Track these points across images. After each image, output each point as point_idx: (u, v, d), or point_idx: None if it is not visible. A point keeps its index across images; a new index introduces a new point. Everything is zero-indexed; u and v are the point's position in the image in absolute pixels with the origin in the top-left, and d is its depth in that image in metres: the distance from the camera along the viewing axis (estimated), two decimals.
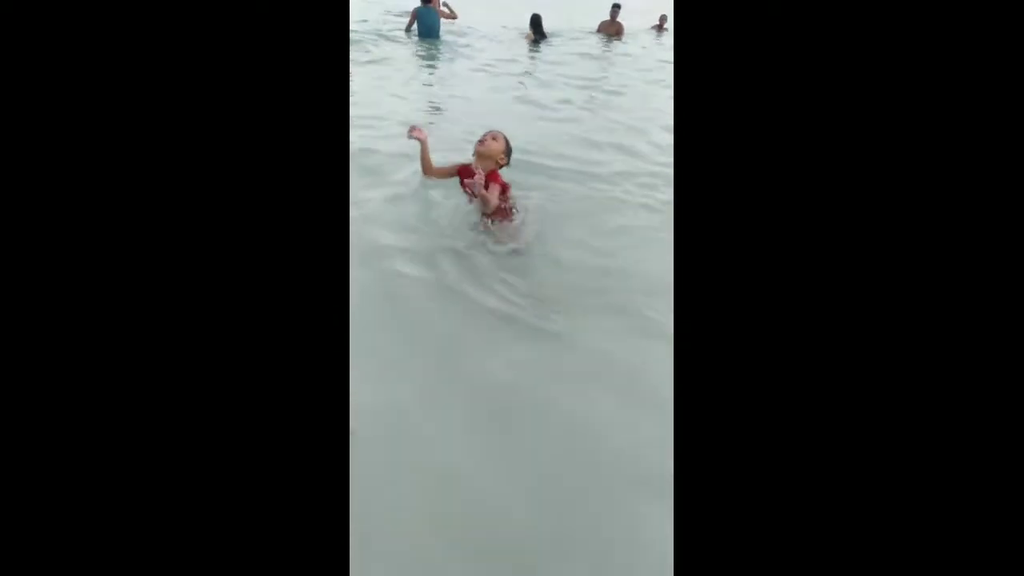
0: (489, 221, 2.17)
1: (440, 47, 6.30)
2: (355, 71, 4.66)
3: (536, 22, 7.09)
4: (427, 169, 2.38)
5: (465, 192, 2.30)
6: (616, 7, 8.27)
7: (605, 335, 1.65)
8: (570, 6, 9.93)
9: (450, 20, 6.87)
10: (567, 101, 4.37)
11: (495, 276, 1.91)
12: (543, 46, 6.77)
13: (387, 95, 4.10)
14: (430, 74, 5.13)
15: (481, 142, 2.24)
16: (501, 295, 1.82)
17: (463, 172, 2.32)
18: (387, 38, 6.40)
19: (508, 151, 2.30)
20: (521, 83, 4.92)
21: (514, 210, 2.26)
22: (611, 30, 8.32)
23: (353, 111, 3.30)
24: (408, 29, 6.61)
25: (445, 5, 6.87)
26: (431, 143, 2.39)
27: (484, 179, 2.06)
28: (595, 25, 8.53)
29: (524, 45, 6.79)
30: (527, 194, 2.44)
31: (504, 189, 2.26)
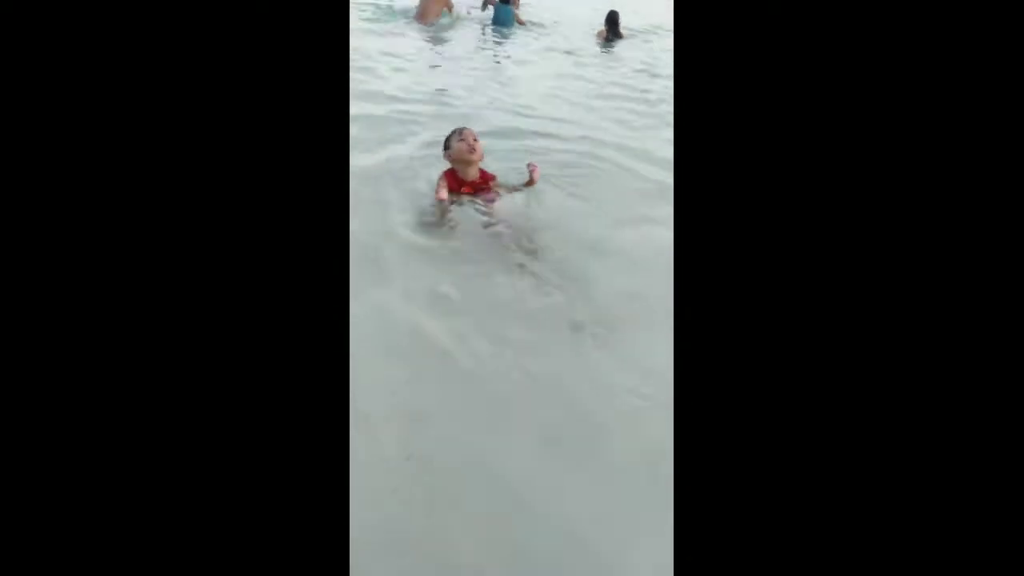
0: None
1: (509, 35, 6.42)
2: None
3: (612, 19, 6.78)
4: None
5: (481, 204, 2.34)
6: None
7: None
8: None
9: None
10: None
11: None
12: (617, 45, 6.66)
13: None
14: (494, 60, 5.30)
15: (473, 150, 2.29)
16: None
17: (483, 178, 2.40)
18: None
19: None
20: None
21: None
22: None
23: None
24: (484, 8, 6.79)
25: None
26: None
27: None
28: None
29: (594, 42, 6.68)
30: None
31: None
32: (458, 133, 2.32)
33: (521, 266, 2.00)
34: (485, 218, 2.26)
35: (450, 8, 6.58)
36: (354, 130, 2.42)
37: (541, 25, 7.08)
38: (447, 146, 2.34)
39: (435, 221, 2.24)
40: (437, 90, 4.17)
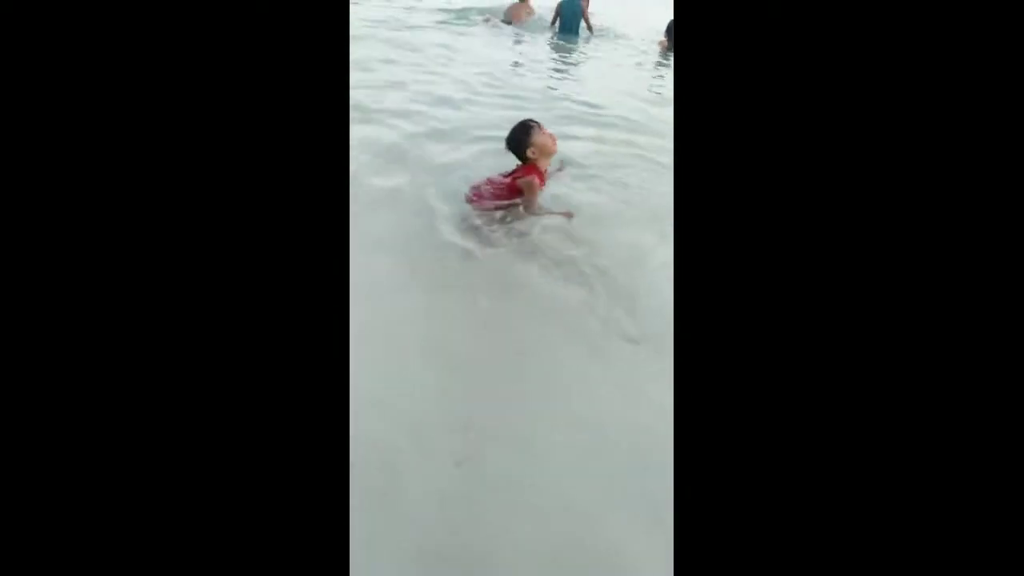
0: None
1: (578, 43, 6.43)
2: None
3: (672, 30, 6.72)
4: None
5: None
6: None
7: None
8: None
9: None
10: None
11: None
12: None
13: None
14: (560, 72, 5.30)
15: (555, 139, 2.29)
16: None
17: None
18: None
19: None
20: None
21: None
22: None
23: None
24: (553, 24, 6.74)
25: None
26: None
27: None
28: None
29: (656, 52, 6.63)
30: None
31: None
32: (536, 127, 2.27)
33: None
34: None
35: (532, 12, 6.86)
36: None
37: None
38: (527, 143, 2.25)
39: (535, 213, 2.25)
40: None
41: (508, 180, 2.28)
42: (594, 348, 1.72)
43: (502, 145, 2.38)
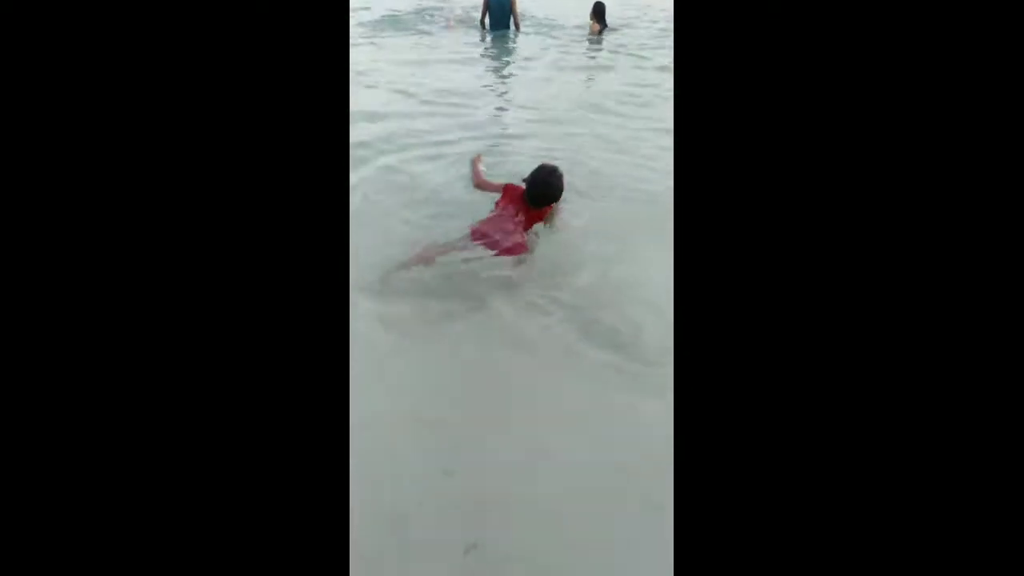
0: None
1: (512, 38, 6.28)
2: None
3: (599, 10, 6.57)
4: (478, 183, 2.49)
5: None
6: None
7: None
8: None
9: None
10: None
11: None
12: (606, 35, 6.47)
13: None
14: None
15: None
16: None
17: (509, 190, 2.27)
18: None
19: (527, 180, 2.18)
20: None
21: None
22: None
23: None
24: (482, 21, 6.53)
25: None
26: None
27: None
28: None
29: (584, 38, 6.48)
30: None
31: (502, 210, 2.17)
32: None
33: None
34: None
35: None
36: None
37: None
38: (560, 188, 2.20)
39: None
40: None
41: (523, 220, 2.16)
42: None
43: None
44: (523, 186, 2.18)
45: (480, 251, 2.01)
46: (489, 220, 2.13)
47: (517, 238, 2.06)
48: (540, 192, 2.15)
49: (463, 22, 7.09)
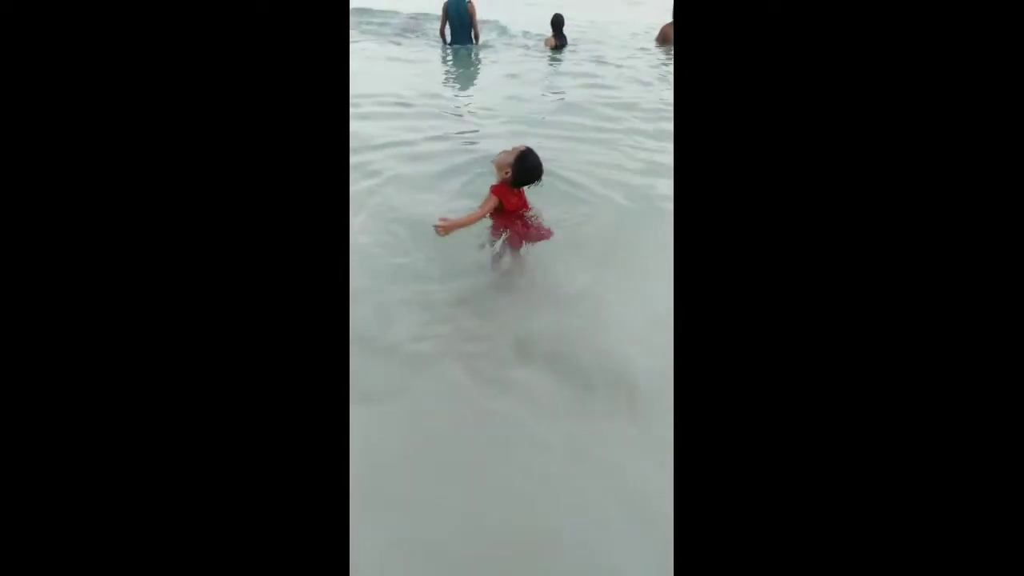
0: (490, 242, 2.24)
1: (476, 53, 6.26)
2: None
3: (558, 23, 6.40)
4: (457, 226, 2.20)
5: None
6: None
7: None
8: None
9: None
10: None
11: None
12: (565, 52, 6.43)
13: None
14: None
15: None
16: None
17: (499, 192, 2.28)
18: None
19: (516, 166, 2.16)
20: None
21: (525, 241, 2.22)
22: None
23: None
24: (442, 32, 6.45)
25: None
26: None
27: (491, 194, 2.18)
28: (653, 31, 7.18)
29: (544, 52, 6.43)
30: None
31: (511, 209, 2.21)
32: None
33: None
34: None
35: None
36: None
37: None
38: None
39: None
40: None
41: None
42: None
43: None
44: (504, 177, 2.22)
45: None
46: (512, 225, 2.26)
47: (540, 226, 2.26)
48: (532, 177, 2.23)
49: (410, 31, 7.10)
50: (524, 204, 2.29)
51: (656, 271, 1.92)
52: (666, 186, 2.93)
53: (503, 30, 7.55)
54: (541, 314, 2.09)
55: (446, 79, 5.33)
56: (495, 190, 2.24)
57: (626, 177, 3.11)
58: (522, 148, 2.23)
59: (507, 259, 2.28)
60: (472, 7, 6.25)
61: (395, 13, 7.95)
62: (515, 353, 1.88)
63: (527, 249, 2.27)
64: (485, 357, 1.86)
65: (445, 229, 2.08)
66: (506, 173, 2.21)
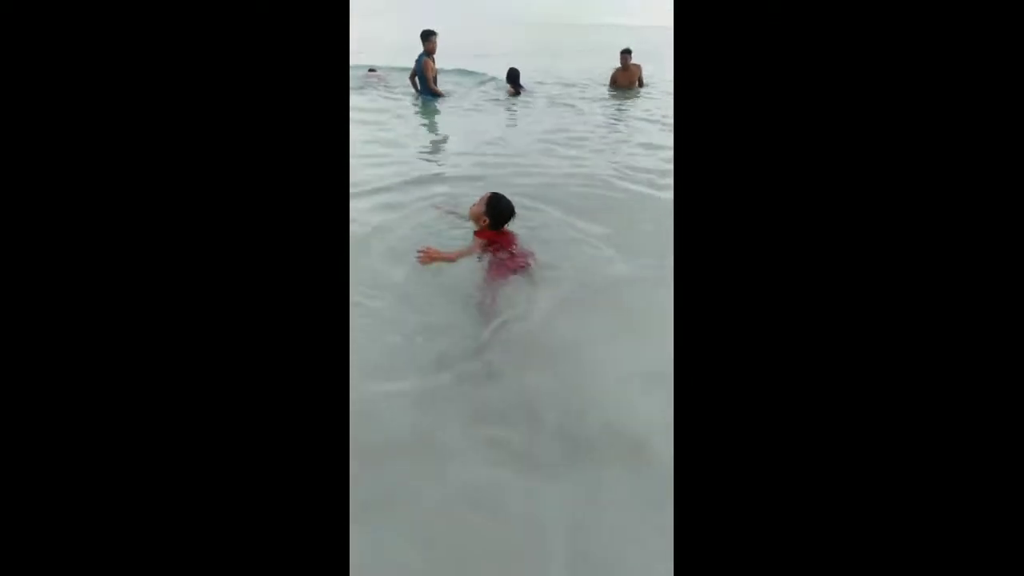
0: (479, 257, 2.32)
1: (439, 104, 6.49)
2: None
3: (513, 76, 7.29)
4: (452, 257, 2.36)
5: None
6: (627, 52, 7.34)
7: None
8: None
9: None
10: None
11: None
12: (523, 97, 7.15)
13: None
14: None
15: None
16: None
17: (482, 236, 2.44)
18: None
19: (490, 212, 2.37)
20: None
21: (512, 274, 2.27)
22: (625, 81, 7.43)
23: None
24: (412, 82, 6.70)
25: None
26: None
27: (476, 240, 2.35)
28: (605, 76, 7.80)
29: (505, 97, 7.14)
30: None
31: (496, 246, 2.33)
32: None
33: None
34: None
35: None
36: None
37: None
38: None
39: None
40: None
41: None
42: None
43: None
44: (484, 224, 2.41)
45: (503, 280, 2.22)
46: (492, 260, 2.34)
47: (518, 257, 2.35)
48: (506, 218, 2.41)
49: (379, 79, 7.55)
50: (509, 240, 2.43)
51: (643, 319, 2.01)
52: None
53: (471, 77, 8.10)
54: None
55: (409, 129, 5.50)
56: (479, 235, 2.39)
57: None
58: (487, 195, 2.41)
59: (490, 298, 2.23)
60: (425, 63, 6.50)
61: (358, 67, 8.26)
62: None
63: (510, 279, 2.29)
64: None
65: (427, 259, 2.19)
66: (484, 221, 2.38)
